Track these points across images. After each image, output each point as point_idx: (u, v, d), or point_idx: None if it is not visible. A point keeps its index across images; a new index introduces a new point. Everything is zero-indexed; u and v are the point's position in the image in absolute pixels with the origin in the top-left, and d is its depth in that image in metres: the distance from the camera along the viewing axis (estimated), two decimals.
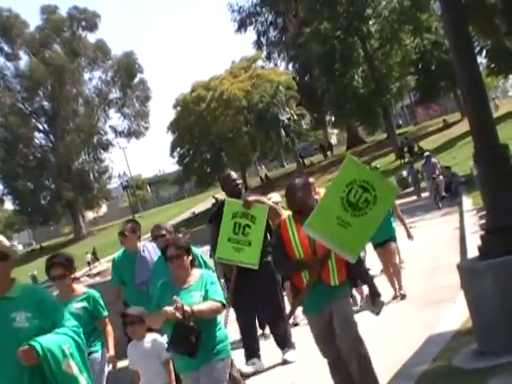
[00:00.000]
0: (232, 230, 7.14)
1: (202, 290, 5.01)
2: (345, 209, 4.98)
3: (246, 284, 7.35)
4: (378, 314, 5.58)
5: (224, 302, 5.10)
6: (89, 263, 56.78)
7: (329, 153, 63.28)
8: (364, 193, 4.98)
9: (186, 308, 4.76)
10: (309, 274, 5.14)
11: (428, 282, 9.77)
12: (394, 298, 9.28)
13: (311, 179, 13.25)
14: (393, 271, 9.44)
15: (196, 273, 5.18)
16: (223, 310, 5.17)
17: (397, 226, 11.92)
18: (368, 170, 5.24)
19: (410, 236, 9.91)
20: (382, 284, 9.62)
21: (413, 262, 11.84)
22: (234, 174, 7.76)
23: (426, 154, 22.99)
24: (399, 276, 9.42)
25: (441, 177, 21.29)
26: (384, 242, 9.22)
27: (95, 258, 56.56)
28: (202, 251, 7.73)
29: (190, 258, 5.14)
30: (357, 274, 5.33)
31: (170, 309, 4.77)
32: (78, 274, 51.25)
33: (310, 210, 5.16)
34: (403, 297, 9.23)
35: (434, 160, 21.90)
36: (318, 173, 54.08)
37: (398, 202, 24.46)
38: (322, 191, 11.65)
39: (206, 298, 4.98)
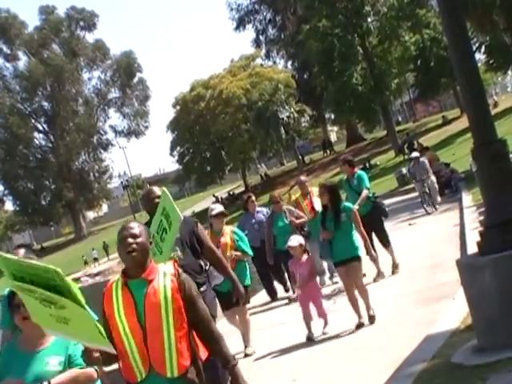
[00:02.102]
0: (156, 230, 5.66)
1: (63, 355, 3.85)
2: (46, 306, 3.53)
3: None
4: None
5: (97, 368, 3.86)
6: (96, 259, 57.14)
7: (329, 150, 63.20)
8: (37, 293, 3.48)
9: None
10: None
11: (428, 278, 9.75)
12: (358, 326, 7.97)
13: (304, 177, 12.84)
14: (359, 293, 8.14)
15: None
16: (95, 379, 3.91)
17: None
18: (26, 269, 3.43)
19: (369, 254, 8.56)
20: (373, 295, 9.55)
21: (412, 258, 11.83)
22: (155, 189, 6.25)
23: (413, 154, 21.02)
24: (367, 298, 8.12)
25: (432, 178, 19.52)
26: (346, 261, 8.07)
27: (106, 253, 56.97)
28: None
29: None
30: (218, 355, 3.79)
31: None
32: (78, 273, 51.44)
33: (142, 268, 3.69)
34: (372, 319, 8.02)
35: (422, 160, 19.99)
36: (319, 170, 54.13)
37: (397, 199, 24.45)
38: (314, 190, 11.09)
39: (69, 364, 3.85)
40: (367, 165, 45.42)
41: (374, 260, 8.91)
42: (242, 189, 63.58)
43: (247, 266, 8.75)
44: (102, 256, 57.85)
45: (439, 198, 19.57)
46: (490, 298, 5.17)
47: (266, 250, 10.90)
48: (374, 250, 10.65)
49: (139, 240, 3.68)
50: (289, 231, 10.52)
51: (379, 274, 10.63)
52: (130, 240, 3.67)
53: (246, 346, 8.41)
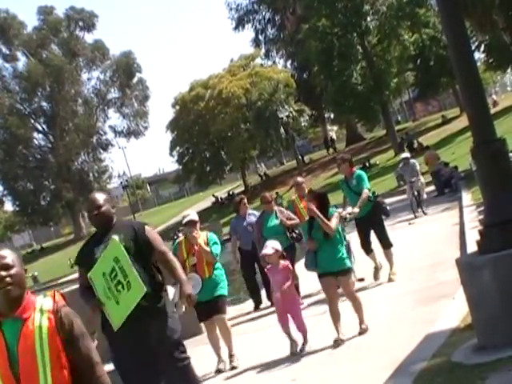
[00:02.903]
0: (109, 271, 5.22)
1: None
2: None
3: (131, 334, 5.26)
4: None
5: None
6: None
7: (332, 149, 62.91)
8: None
9: None
10: None
11: (427, 277, 9.75)
12: (336, 341, 7.45)
13: (301, 178, 11.67)
14: (352, 305, 7.77)
15: None
16: None
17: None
18: None
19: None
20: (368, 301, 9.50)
21: (412, 257, 11.84)
22: (96, 198, 5.58)
23: (403, 155, 20.69)
24: (360, 310, 7.71)
25: (421, 180, 19.26)
26: (336, 274, 7.61)
27: None
28: None
29: None
30: None
31: None
32: (77, 274, 51.40)
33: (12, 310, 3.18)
34: (363, 332, 7.61)
35: (413, 161, 19.72)
36: (318, 170, 54.12)
37: (397, 198, 24.44)
38: None
39: None
40: (367, 164, 45.42)
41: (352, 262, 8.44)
42: (242, 188, 63.55)
43: (223, 273, 8.14)
44: None
45: (425, 195, 19.34)
46: (490, 297, 5.17)
47: (259, 251, 10.27)
48: (371, 249, 10.47)
49: (13, 271, 3.14)
50: (279, 232, 10.11)
51: (378, 269, 10.42)
52: (3, 273, 3.11)
53: (230, 359, 8.02)
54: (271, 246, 7.97)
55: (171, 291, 5.79)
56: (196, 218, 8.18)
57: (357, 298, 7.80)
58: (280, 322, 7.85)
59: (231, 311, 11.86)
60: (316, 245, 7.65)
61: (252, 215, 11.28)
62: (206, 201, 67.07)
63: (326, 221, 7.57)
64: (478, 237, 5.53)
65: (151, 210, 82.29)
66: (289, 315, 7.79)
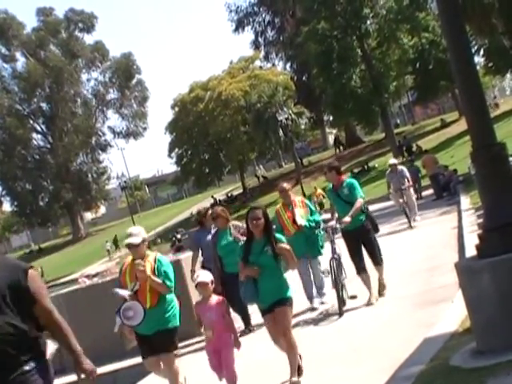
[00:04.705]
0: None
1: None
2: None
3: None
4: None
5: None
6: (108, 251, 57.92)
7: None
8: None
9: None
10: None
11: (426, 281, 9.75)
12: None
13: (286, 184, 10.55)
14: (286, 347, 6.59)
15: None
16: None
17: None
18: None
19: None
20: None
21: (411, 261, 11.84)
22: None
23: (391, 161, 19.05)
24: (294, 357, 6.60)
25: (411, 190, 18.16)
26: (274, 305, 6.56)
27: (115, 247, 57.83)
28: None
29: None
30: None
31: None
32: (76, 274, 51.39)
33: None
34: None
35: (401, 168, 18.36)
36: (317, 172, 54.13)
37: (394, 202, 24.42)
38: (297, 200, 10.15)
39: None
40: (365, 167, 45.49)
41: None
42: (241, 190, 63.59)
43: (172, 301, 6.98)
44: (103, 255, 58.31)
45: (418, 217, 18.02)
46: (489, 301, 5.17)
47: (212, 274, 8.90)
48: (365, 270, 9.50)
49: None
50: (234, 251, 8.38)
51: (372, 296, 9.47)
52: None
53: None
54: (207, 275, 6.92)
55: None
56: (138, 240, 6.89)
57: (293, 339, 6.60)
58: (212, 367, 6.77)
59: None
60: (256, 271, 6.53)
61: None
62: (204, 202, 67.09)
63: (294, 257, 6.61)
64: (476, 240, 5.52)
65: (149, 212, 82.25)
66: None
